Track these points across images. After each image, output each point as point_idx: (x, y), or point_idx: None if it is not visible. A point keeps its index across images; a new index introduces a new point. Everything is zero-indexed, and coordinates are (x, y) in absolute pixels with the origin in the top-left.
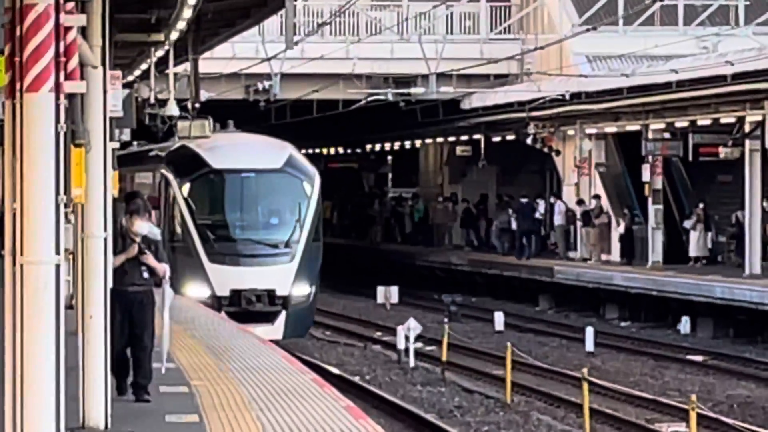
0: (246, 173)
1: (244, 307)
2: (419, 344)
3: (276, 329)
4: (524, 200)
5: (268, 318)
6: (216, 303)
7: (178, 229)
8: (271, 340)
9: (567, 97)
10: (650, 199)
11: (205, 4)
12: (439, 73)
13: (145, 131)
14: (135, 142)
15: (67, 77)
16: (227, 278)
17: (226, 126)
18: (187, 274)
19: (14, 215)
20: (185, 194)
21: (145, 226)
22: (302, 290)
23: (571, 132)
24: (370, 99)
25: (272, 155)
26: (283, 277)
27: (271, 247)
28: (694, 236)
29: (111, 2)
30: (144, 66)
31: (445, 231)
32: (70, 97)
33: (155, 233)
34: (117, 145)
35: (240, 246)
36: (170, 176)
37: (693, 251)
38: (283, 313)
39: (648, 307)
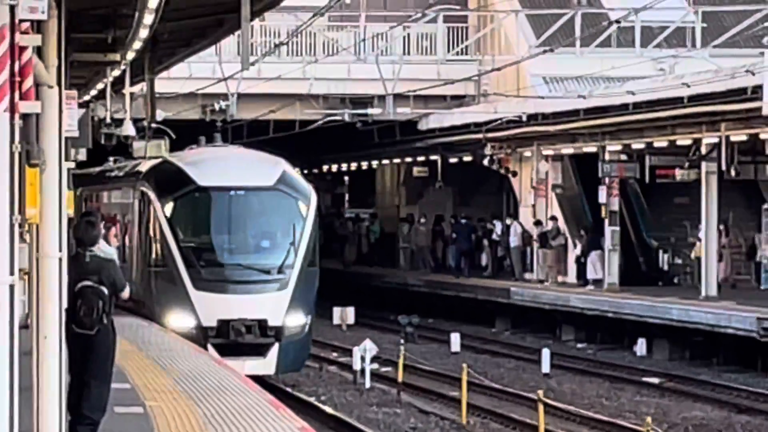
0: (235, 191)
1: (233, 339)
2: (375, 365)
3: (268, 363)
4: (463, 221)
5: (260, 351)
6: (202, 334)
7: (160, 253)
8: (262, 376)
9: (524, 118)
10: (607, 221)
11: (162, 24)
12: (396, 94)
13: (122, 148)
14: (111, 158)
15: (23, 97)
16: (214, 307)
17: (212, 140)
18: (169, 303)
19: None
20: (168, 214)
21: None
22: (297, 320)
23: (527, 153)
24: (327, 119)
25: (264, 171)
26: (275, 305)
27: (263, 273)
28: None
29: (67, 22)
30: (100, 85)
31: (427, 254)
32: (25, 117)
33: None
34: (73, 164)
35: (228, 271)
36: (151, 194)
37: (590, 274)
38: (276, 346)
39: (604, 329)
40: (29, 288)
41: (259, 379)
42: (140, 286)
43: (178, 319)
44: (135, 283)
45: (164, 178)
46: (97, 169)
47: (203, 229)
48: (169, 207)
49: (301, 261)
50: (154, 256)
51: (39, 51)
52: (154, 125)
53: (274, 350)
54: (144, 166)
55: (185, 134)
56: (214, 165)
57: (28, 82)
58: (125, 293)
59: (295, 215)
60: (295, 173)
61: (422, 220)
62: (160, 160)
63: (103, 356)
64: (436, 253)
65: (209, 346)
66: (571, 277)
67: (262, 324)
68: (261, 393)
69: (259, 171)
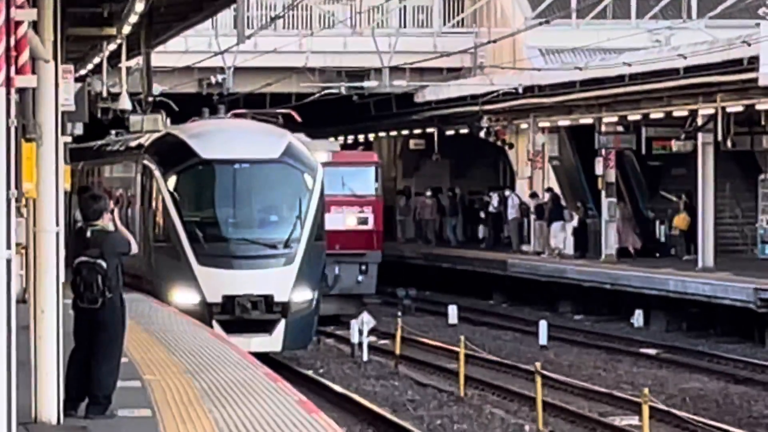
0: (239, 164)
1: (239, 315)
2: (373, 338)
3: (274, 340)
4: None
5: (266, 327)
6: (206, 311)
7: (163, 228)
8: (268, 353)
9: (520, 90)
10: (603, 193)
11: None
12: (392, 67)
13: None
14: (113, 131)
15: (18, 71)
16: (219, 283)
17: (215, 112)
18: (173, 279)
19: None
20: (171, 188)
21: None
22: (303, 296)
23: (524, 125)
24: (323, 92)
25: (269, 144)
26: (281, 281)
27: (269, 248)
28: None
29: None
30: (96, 60)
31: (434, 227)
32: (21, 91)
33: None
34: (69, 139)
35: (233, 246)
36: (153, 167)
37: (553, 244)
38: (282, 322)
39: (601, 301)
40: (26, 262)
41: (257, 353)
42: (143, 261)
43: (182, 296)
44: (137, 259)
45: (167, 151)
46: (99, 142)
47: (207, 203)
48: (172, 181)
49: (307, 235)
50: (156, 231)
51: (35, 25)
52: (154, 99)
53: (281, 327)
54: (146, 139)
55: (181, 108)
56: (218, 137)
57: (24, 57)
58: (133, 249)
59: (301, 188)
60: (301, 145)
61: (428, 193)
62: (162, 132)
63: (110, 330)
64: (433, 225)
65: (214, 323)
66: (568, 248)
67: (268, 300)
68: (258, 366)
69: (263, 143)
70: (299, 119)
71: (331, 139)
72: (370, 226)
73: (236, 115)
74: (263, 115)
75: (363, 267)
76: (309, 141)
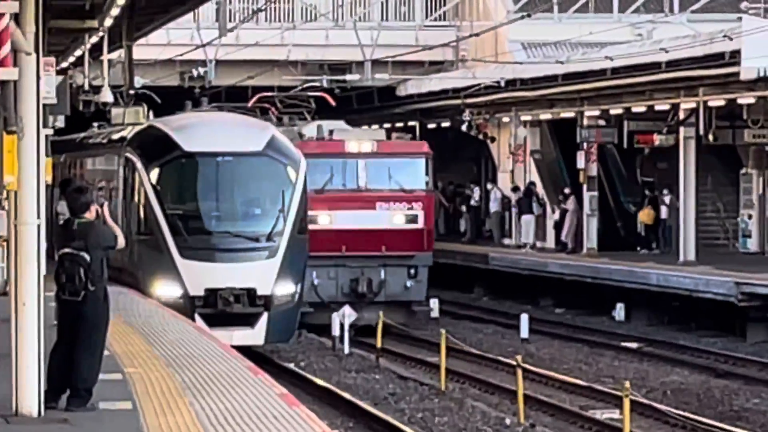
0: (222, 157)
1: (221, 309)
2: (354, 331)
3: (256, 333)
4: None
5: (248, 321)
6: (189, 304)
7: (145, 221)
8: (250, 346)
9: (502, 84)
10: (585, 186)
11: None
12: (374, 60)
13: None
14: (95, 123)
15: (0, 64)
16: (201, 276)
17: (198, 105)
18: (155, 272)
19: None
20: (153, 181)
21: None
22: (286, 289)
23: (506, 119)
24: (305, 85)
25: (252, 136)
26: (264, 274)
27: (251, 241)
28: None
29: None
30: (78, 52)
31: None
32: (3, 83)
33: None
34: (51, 131)
35: (216, 239)
36: (136, 160)
37: (524, 237)
38: (265, 315)
39: (583, 294)
40: (7, 255)
41: (239, 346)
42: (125, 254)
43: (165, 289)
44: (120, 252)
45: (150, 144)
46: (81, 135)
47: (190, 196)
48: (154, 173)
49: (290, 228)
50: (139, 223)
51: (16, 18)
52: (136, 92)
53: (263, 320)
54: (129, 132)
55: (163, 101)
56: (200, 130)
57: (6, 49)
58: (120, 243)
59: (284, 181)
60: (284, 138)
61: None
62: (145, 125)
63: (92, 323)
64: None
65: (196, 316)
66: (550, 242)
67: (250, 293)
68: (240, 359)
69: (246, 136)
70: (333, 103)
71: (375, 126)
72: (420, 224)
73: (261, 100)
74: (293, 98)
75: (412, 271)
76: (350, 129)
